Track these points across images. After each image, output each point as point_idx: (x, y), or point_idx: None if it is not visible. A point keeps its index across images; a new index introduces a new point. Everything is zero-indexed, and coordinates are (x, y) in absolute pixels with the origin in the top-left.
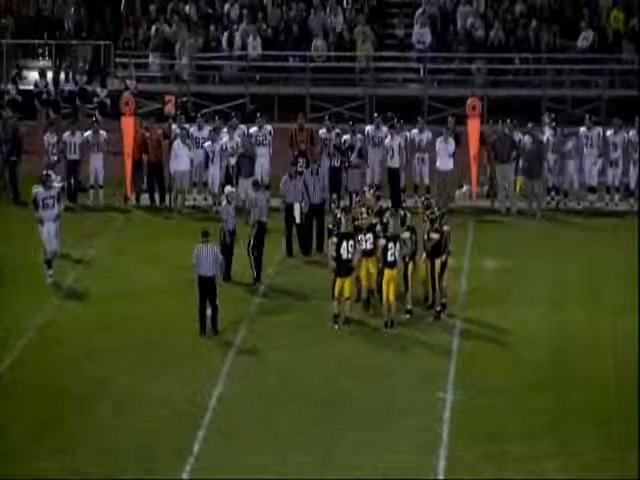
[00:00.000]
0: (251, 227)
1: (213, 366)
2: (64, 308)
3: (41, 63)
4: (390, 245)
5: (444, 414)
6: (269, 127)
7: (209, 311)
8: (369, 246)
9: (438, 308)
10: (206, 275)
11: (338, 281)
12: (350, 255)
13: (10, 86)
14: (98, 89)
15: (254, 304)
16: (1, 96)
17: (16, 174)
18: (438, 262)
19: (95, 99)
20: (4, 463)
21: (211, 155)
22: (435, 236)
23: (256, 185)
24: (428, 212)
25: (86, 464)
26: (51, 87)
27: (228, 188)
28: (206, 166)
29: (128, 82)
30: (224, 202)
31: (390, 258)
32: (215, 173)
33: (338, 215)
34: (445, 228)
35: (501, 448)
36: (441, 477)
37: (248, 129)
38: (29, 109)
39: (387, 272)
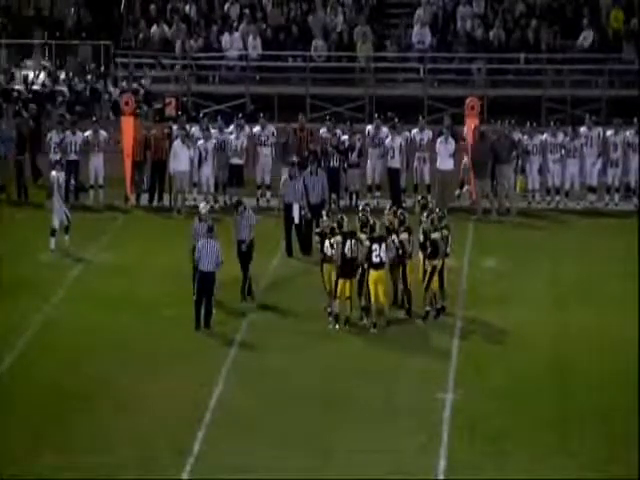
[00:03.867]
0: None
1: (213, 366)
2: (64, 308)
3: (41, 63)
4: (375, 246)
5: (444, 414)
6: (272, 128)
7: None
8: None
9: (439, 306)
10: (207, 270)
11: (341, 281)
12: (353, 254)
13: (18, 86)
14: (111, 88)
15: (253, 304)
16: (1, 96)
17: (24, 173)
18: (439, 263)
19: (107, 97)
20: (4, 463)
21: (204, 154)
22: (436, 235)
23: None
24: (427, 212)
25: (86, 463)
26: (50, 87)
27: (202, 206)
28: (199, 164)
29: (143, 81)
30: (196, 220)
31: (375, 259)
32: (208, 172)
33: (324, 218)
34: (444, 231)
35: (501, 448)
36: (441, 477)
37: (251, 129)
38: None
39: (373, 273)
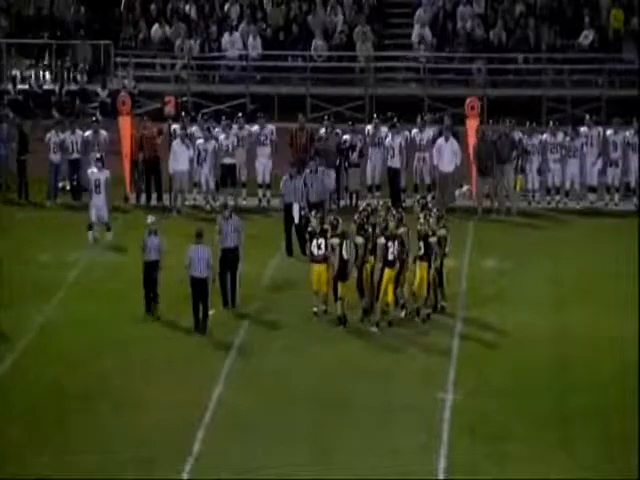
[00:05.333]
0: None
1: (213, 366)
2: (64, 308)
3: (41, 63)
4: (390, 244)
5: (444, 414)
6: (271, 127)
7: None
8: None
9: (438, 306)
10: (199, 276)
11: (340, 283)
12: (348, 256)
13: (10, 86)
14: (99, 89)
15: (253, 305)
16: (1, 96)
17: (26, 173)
18: (434, 265)
19: (97, 98)
20: (4, 463)
21: (203, 154)
22: (433, 239)
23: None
24: (424, 214)
25: (86, 464)
26: (50, 87)
27: (150, 218)
28: (198, 164)
29: (126, 82)
30: (146, 232)
31: (390, 257)
32: (207, 172)
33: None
34: (441, 232)
35: (501, 448)
36: (441, 477)
37: (250, 129)
38: (28, 109)
39: (388, 271)
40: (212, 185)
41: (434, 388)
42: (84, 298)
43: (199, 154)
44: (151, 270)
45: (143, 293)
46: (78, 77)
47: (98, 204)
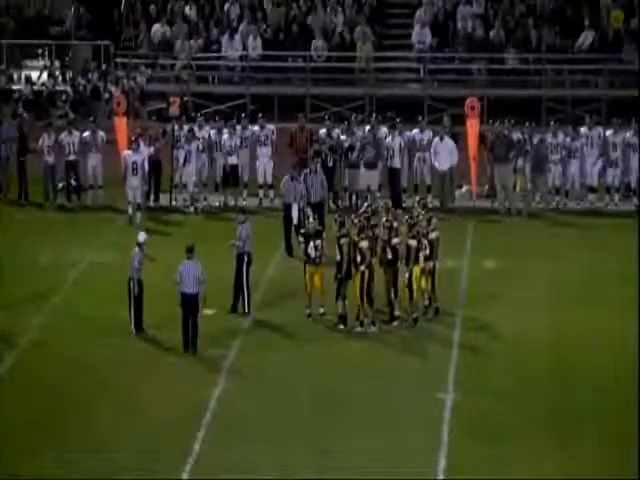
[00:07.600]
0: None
1: (213, 367)
2: (64, 308)
3: (41, 63)
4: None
5: (444, 414)
6: (271, 127)
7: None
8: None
9: (415, 315)
10: (189, 292)
11: (345, 282)
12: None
13: (21, 86)
14: (112, 87)
15: (253, 305)
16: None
17: (26, 174)
18: (416, 269)
19: (107, 96)
20: (4, 462)
21: (188, 155)
22: (412, 242)
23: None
24: (407, 217)
25: (86, 464)
26: (50, 87)
27: (142, 235)
28: (184, 164)
29: (138, 80)
30: (136, 248)
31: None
32: (191, 172)
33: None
34: (434, 235)
35: (501, 448)
36: (441, 477)
37: (251, 129)
38: (40, 109)
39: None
40: (191, 187)
41: (434, 388)
42: (84, 298)
43: (185, 154)
44: (139, 287)
45: (133, 313)
46: (90, 76)
47: (134, 184)
